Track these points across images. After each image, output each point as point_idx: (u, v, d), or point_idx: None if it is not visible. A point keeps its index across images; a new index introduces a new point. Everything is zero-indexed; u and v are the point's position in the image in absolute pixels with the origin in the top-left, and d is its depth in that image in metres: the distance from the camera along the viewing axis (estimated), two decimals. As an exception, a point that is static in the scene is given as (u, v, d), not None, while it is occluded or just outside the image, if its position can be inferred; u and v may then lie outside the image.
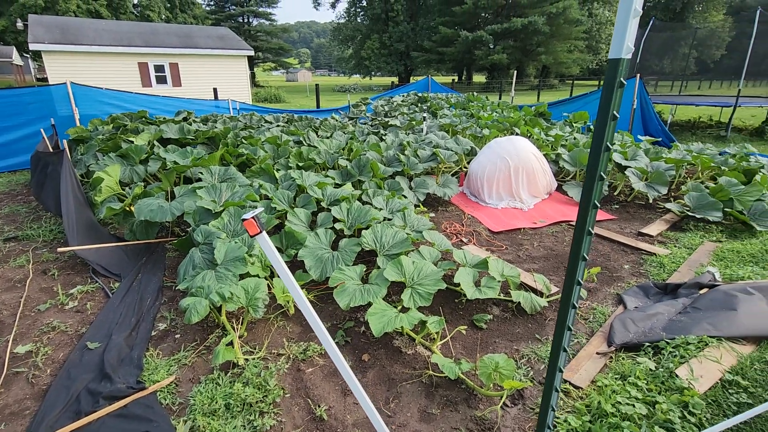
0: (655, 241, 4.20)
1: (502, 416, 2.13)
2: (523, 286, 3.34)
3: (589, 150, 6.17)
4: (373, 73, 45.04)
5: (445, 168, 6.58)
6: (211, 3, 47.68)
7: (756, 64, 11.00)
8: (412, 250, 3.32)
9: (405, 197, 4.95)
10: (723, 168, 5.46)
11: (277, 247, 3.56)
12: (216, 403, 2.15)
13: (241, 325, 2.79)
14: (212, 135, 6.23)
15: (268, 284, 2.93)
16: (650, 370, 2.30)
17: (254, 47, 45.13)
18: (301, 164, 5.16)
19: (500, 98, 17.64)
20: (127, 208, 4.06)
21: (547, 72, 41.67)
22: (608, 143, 0.82)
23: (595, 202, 0.89)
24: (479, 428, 2.07)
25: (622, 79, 0.78)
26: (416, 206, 4.92)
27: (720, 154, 6.71)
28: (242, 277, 2.94)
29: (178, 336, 2.78)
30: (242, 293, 2.71)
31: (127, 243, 3.92)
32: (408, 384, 2.36)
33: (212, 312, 2.80)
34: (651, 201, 5.17)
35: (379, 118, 8.66)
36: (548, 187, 5.55)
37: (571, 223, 4.71)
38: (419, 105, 9.98)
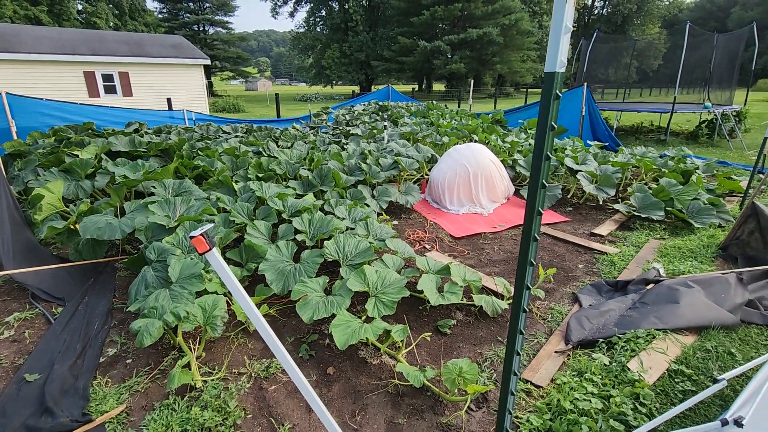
0: (606, 241, 4.42)
1: (467, 421, 2.15)
2: (484, 290, 3.41)
3: (543, 155, 6.45)
4: (334, 82, 45.06)
5: (407, 176, 6.65)
6: (164, 10, 46.09)
7: (688, 73, 11.93)
8: (375, 259, 3.32)
9: (368, 206, 4.94)
10: (663, 170, 5.86)
11: (236, 262, 3.45)
12: (171, 430, 2.04)
13: (199, 345, 2.66)
14: (166, 147, 5.99)
15: (227, 300, 2.83)
16: (605, 365, 2.41)
17: (211, 56, 43.90)
18: (260, 175, 5.05)
19: (459, 106, 18.10)
20: (72, 227, 3.81)
21: (502, 81, 43.33)
22: (548, 152, 0.85)
23: (539, 209, 0.92)
24: (445, 435, 2.08)
25: (557, 91, 0.82)
26: (379, 214, 4.93)
27: (660, 157, 7.21)
28: (199, 294, 2.82)
29: (129, 361, 2.62)
30: (199, 312, 2.60)
31: (72, 264, 3.66)
32: (374, 395, 2.34)
33: (167, 333, 2.66)
34: (601, 202, 5.46)
35: (341, 128, 8.65)
36: (506, 191, 5.73)
37: (528, 226, 4.88)
38: (380, 114, 10.06)
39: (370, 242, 3.62)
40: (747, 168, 7.81)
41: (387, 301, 2.77)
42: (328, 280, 3.03)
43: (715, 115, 10.32)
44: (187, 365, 2.42)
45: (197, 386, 2.33)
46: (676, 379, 2.29)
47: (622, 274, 3.64)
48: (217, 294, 2.90)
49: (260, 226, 3.62)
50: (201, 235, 1.13)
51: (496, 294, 3.34)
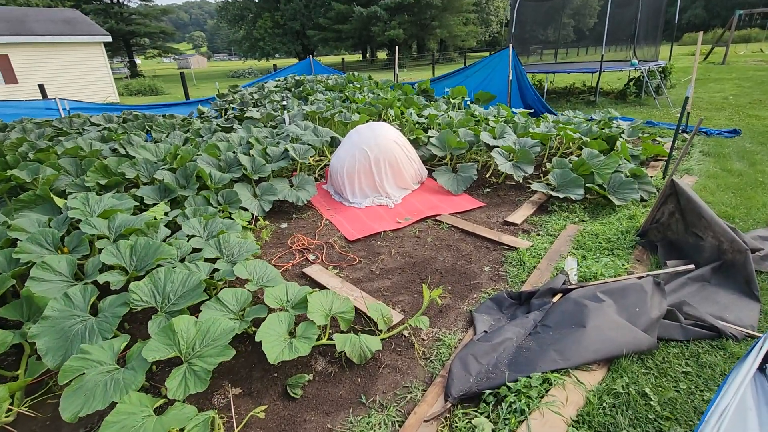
0: (519, 231, 3.83)
1: None
2: (361, 317, 2.70)
3: (461, 129, 5.76)
4: (270, 54, 42.15)
5: (314, 161, 5.78)
6: (65, -20, 40.39)
7: (616, 30, 11.60)
8: (209, 299, 2.48)
9: (244, 210, 4.06)
10: (586, 139, 5.34)
11: (18, 321, 2.49)
12: None
13: None
14: (-8, 151, 4.71)
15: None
16: (485, 438, 1.77)
17: (129, 32, 39.52)
18: (103, 182, 3.99)
19: (396, 77, 17.12)
20: None
21: (445, 46, 42.34)
22: None
23: None
24: None
25: None
26: (256, 221, 4.06)
27: (588, 120, 6.76)
28: None
29: None
30: None
31: None
32: None
33: None
34: (521, 181, 4.87)
35: (247, 109, 7.53)
36: (417, 175, 5.01)
37: (437, 218, 4.20)
38: (293, 90, 8.96)
39: (216, 268, 2.78)
40: (672, 127, 7.58)
41: (201, 369, 1.97)
42: (127, 341, 2.17)
43: (642, 72, 10.09)
44: None
45: None
46: (573, 453, 1.69)
47: (531, 275, 3.04)
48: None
49: (55, 263, 2.65)
50: None
51: (373, 324, 2.63)
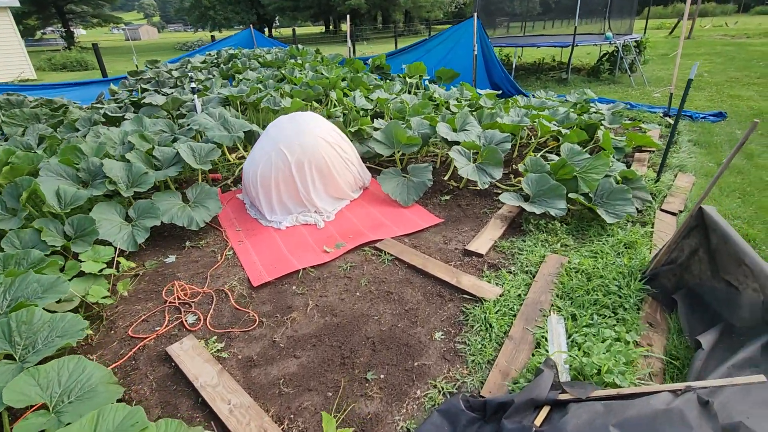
0: (485, 265, 2.85)
1: None
2: (232, 460, 1.66)
3: (413, 118, 4.68)
4: (222, 25, 38.81)
5: (237, 159, 4.57)
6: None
7: (586, 2, 10.64)
8: None
9: (108, 244, 2.88)
10: (563, 131, 4.39)
11: None
12: None
13: None
14: None
15: None
16: None
17: (60, -2, 35.19)
18: None
19: (354, 51, 15.61)
20: None
21: (410, 17, 40.37)
22: None
23: None
24: None
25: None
26: (118, 264, 2.87)
27: (563, 101, 5.85)
28: None
29: None
30: None
31: None
32: None
33: None
34: (486, 187, 3.88)
35: (152, 91, 6.11)
36: (358, 181, 3.93)
37: (376, 245, 3.15)
38: (221, 67, 7.52)
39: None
40: (652, 110, 6.79)
41: None
42: None
43: (616, 46, 9.25)
44: None
45: None
46: None
47: (501, 351, 2.08)
48: None
49: None
50: None
51: (247, 475, 1.59)
